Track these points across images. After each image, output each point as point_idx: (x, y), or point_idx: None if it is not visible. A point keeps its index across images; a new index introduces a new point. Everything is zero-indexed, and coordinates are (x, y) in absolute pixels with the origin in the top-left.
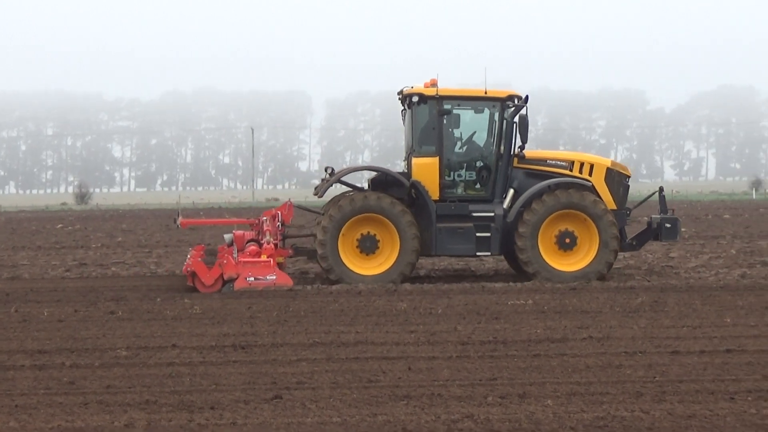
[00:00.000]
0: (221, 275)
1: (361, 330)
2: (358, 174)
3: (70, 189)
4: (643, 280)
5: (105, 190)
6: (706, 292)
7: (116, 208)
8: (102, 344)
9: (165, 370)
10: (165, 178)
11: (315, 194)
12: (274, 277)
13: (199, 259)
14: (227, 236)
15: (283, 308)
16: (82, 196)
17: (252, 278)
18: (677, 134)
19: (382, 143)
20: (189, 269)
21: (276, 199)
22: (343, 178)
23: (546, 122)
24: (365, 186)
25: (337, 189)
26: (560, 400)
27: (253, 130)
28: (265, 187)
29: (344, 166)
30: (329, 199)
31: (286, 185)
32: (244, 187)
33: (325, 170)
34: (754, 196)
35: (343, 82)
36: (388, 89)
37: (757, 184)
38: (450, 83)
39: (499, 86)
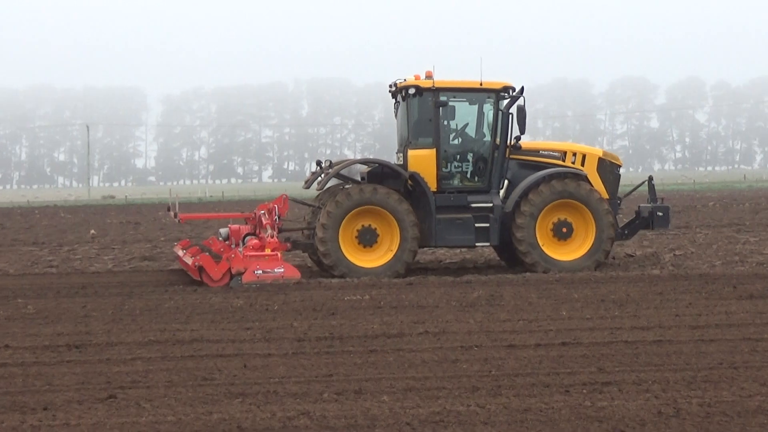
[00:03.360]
0: (229, 269)
1: (196, 327)
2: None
3: None
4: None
5: None
6: (543, 285)
7: None
8: None
9: None
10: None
11: (306, 187)
12: (282, 270)
13: (206, 253)
14: (223, 230)
15: (118, 307)
16: None
17: (260, 271)
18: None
19: (218, 140)
20: (197, 263)
21: (112, 197)
22: (334, 172)
23: (382, 117)
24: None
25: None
26: (396, 395)
27: (88, 127)
28: (101, 184)
29: (335, 159)
30: (316, 192)
31: (123, 182)
32: (80, 185)
33: (317, 164)
34: None
35: (178, 78)
36: (225, 85)
37: None
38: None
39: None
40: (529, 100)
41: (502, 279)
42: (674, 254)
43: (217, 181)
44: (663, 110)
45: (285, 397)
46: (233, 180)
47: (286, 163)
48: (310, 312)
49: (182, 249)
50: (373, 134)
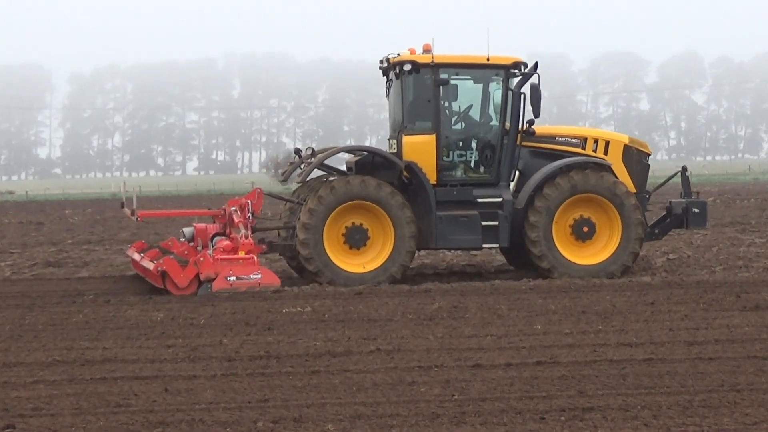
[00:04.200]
0: (197, 275)
1: (109, 345)
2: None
3: None
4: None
5: None
6: (514, 294)
7: None
8: None
9: None
10: None
11: (283, 180)
12: (260, 276)
13: (171, 256)
14: (187, 230)
15: (17, 321)
16: None
17: (233, 278)
18: None
19: (135, 125)
20: (160, 269)
21: (11, 192)
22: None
23: (327, 98)
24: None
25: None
26: (343, 423)
27: None
28: None
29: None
30: (294, 184)
31: (23, 175)
32: None
33: (296, 152)
34: None
35: (89, 53)
36: (144, 61)
37: None
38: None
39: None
40: None
41: (466, 287)
42: (668, 258)
43: (134, 174)
44: (654, 90)
45: (213, 425)
46: (152, 172)
47: (214, 153)
48: (242, 326)
49: (137, 252)
50: (315, 119)
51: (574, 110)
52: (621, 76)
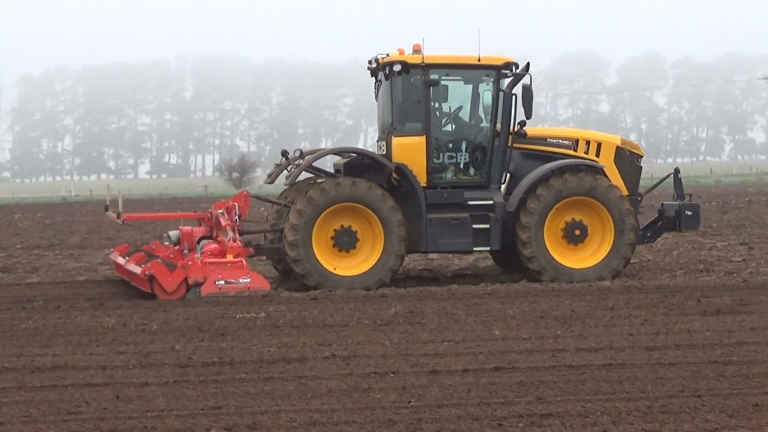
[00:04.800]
0: (185, 279)
1: (59, 352)
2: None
3: None
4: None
5: None
6: (471, 299)
7: None
8: None
9: None
10: None
11: (270, 182)
12: (249, 280)
13: (159, 260)
14: (173, 233)
15: None
16: None
17: (222, 282)
18: None
19: (86, 128)
20: (147, 272)
21: None
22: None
23: (281, 100)
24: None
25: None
26: (297, 430)
27: None
28: None
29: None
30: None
31: None
32: None
33: (282, 154)
34: None
35: (39, 55)
36: (95, 63)
37: None
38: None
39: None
40: None
41: (423, 292)
42: None
43: (85, 178)
44: (615, 91)
45: None
46: (104, 176)
47: (166, 156)
48: (195, 332)
49: (122, 256)
50: (270, 121)
51: (534, 112)
52: (581, 77)
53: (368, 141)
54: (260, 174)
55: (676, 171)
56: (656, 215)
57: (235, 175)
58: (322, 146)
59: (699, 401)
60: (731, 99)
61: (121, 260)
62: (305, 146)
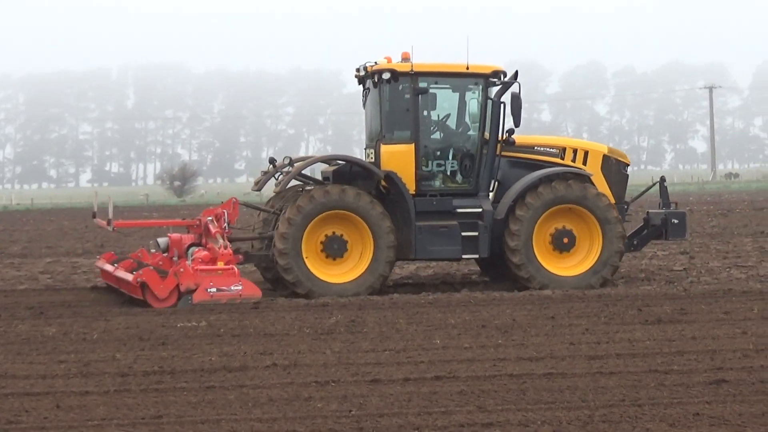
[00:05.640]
0: (177, 286)
1: None
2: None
3: None
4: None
5: None
6: (413, 308)
7: None
8: None
9: None
10: None
11: (257, 189)
12: (240, 288)
13: (151, 267)
14: (161, 240)
15: None
16: None
17: (214, 289)
18: None
19: (27, 137)
20: (139, 279)
21: None
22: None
23: (223, 109)
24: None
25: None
26: None
27: None
28: None
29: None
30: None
31: None
32: None
33: (270, 162)
34: None
35: None
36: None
37: None
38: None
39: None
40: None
41: (364, 301)
42: None
43: (26, 186)
44: (556, 100)
45: None
46: (45, 184)
47: (108, 164)
48: (135, 341)
49: (109, 263)
50: (212, 129)
51: None
52: (522, 86)
53: (309, 149)
54: (201, 183)
55: (662, 179)
56: (641, 223)
57: (176, 183)
58: (263, 155)
59: (639, 410)
60: (672, 108)
61: (109, 267)
62: (247, 154)
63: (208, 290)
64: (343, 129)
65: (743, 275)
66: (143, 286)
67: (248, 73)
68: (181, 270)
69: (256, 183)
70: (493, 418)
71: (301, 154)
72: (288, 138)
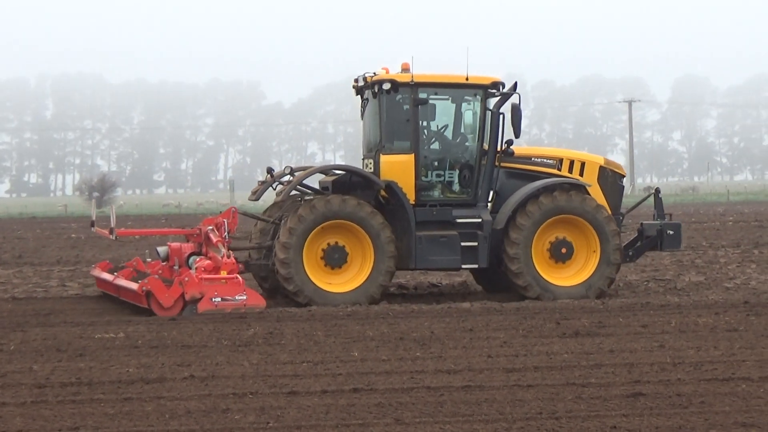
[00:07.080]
0: (182, 295)
1: None
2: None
3: None
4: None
5: None
6: (331, 320)
7: None
8: None
9: None
10: None
11: (255, 199)
12: (245, 297)
13: (156, 276)
14: (161, 249)
15: None
16: None
17: (219, 299)
18: (300, 134)
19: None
20: (145, 288)
21: None
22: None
23: (142, 120)
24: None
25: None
26: None
27: None
28: None
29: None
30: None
31: None
32: None
33: (268, 171)
34: None
35: None
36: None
37: None
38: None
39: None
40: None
41: (282, 313)
42: None
43: None
44: None
45: None
46: None
47: (26, 175)
48: (53, 353)
49: (107, 272)
50: (131, 140)
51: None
52: None
53: (229, 161)
54: (120, 194)
55: (657, 191)
56: (635, 234)
57: (95, 194)
58: (183, 166)
59: (557, 423)
60: (591, 121)
61: (107, 276)
62: (166, 165)
63: (213, 300)
64: (263, 140)
65: (661, 289)
66: (148, 294)
67: (166, 84)
68: (186, 279)
69: (254, 192)
70: (410, 431)
71: (221, 166)
72: (207, 149)
